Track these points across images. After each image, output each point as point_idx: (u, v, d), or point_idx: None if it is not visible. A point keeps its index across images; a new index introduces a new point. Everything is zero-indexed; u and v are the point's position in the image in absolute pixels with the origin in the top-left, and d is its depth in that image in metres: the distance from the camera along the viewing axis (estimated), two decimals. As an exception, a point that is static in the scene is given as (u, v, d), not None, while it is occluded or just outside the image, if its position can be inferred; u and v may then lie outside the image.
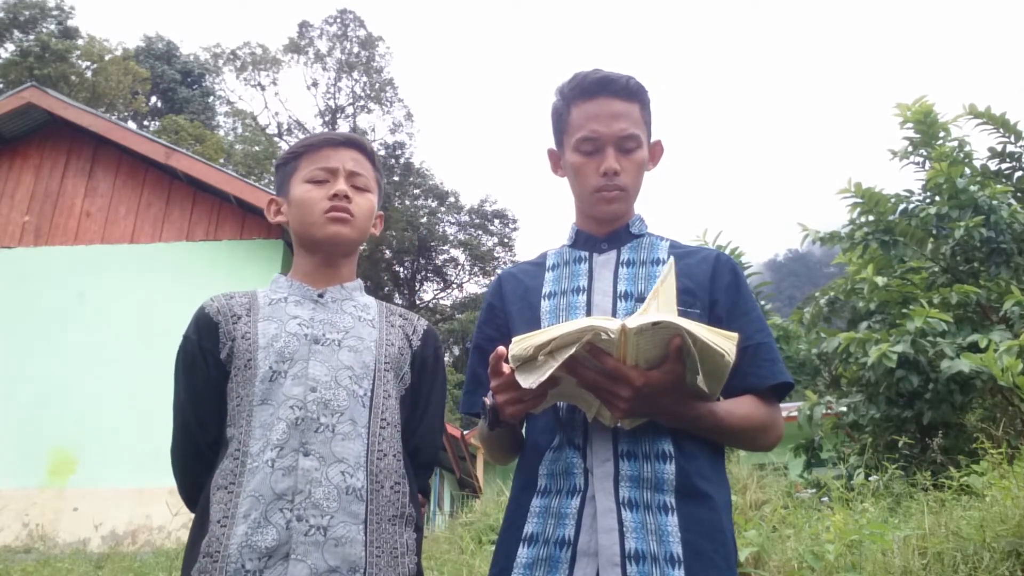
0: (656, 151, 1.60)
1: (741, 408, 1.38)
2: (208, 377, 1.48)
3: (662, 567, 1.23)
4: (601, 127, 1.48)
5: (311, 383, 1.41)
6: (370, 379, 1.47)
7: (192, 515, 1.46)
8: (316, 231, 1.54)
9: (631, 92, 1.50)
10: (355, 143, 1.63)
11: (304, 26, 34.22)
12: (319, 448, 1.37)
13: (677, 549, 1.25)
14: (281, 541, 1.31)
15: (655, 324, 1.18)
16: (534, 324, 1.45)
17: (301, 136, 34.22)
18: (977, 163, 6.43)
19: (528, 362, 1.23)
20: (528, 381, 1.21)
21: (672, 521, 1.27)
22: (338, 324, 1.51)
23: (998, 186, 5.89)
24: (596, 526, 1.28)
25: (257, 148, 30.42)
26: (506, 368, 1.25)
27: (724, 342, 1.21)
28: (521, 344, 1.24)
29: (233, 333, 1.48)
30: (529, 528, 1.35)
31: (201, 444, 1.47)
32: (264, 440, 1.38)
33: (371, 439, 1.43)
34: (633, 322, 1.19)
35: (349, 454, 1.39)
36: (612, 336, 1.18)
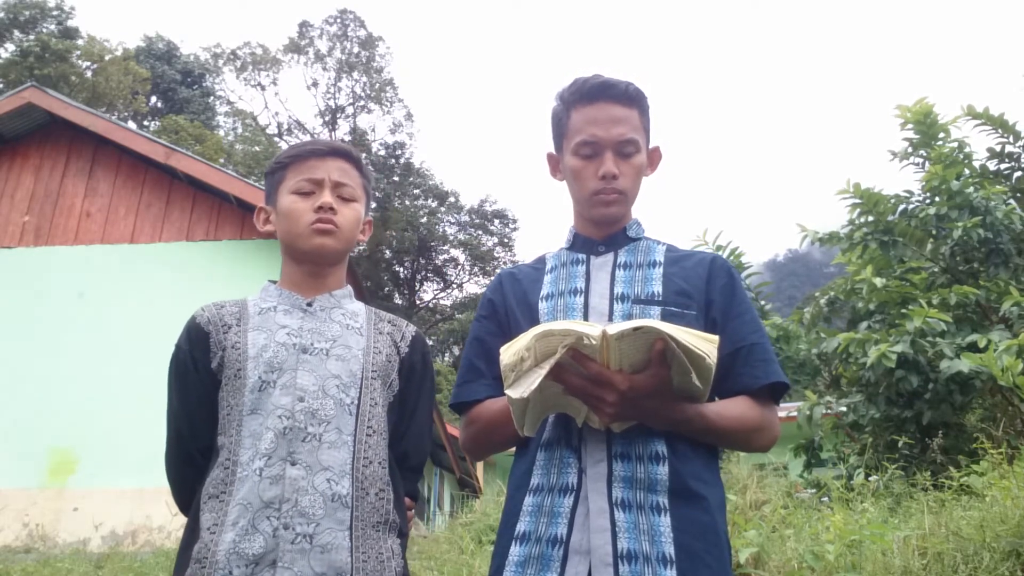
0: (655, 157, 1.61)
1: (733, 409, 1.39)
2: (199, 386, 1.50)
3: (654, 567, 1.24)
4: (600, 131, 1.49)
5: (299, 393, 1.43)
6: (357, 388, 1.49)
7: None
8: (302, 243, 1.55)
9: (630, 97, 1.51)
10: (341, 152, 1.63)
11: (304, 26, 34.23)
12: (306, 457, 1.39)
13: (669, 549, 1.26)
14: (268, 548, 1.33)
15: (636, 329, 1.20)
16: (533, 325, 1.45)
17: (301, 136, 34.25)
18: (977, 163, 6.44)
19: (517, 372, 1.24)
20: (517, 392, 1.22)
21: (665, 522, 1.28)
22: (326, 333, 1.52)
23: (996, 187, 5.90)
24: (588, 525, 1.28)
25: (257, 148, 30.41)
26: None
27: (705, 345, 1.23)
28: (509, 352, 1.25)
29: (224, 343, 1.50)
30: (522, 526, 1.36)
31: (193, 451, 1.49)
32: (253, 449, 1.40)
33: (357, 447, 1.44)
34: (614, 328, 1.20)
35: (335, 462, 1.41)
36: (594, 342, 1.20)
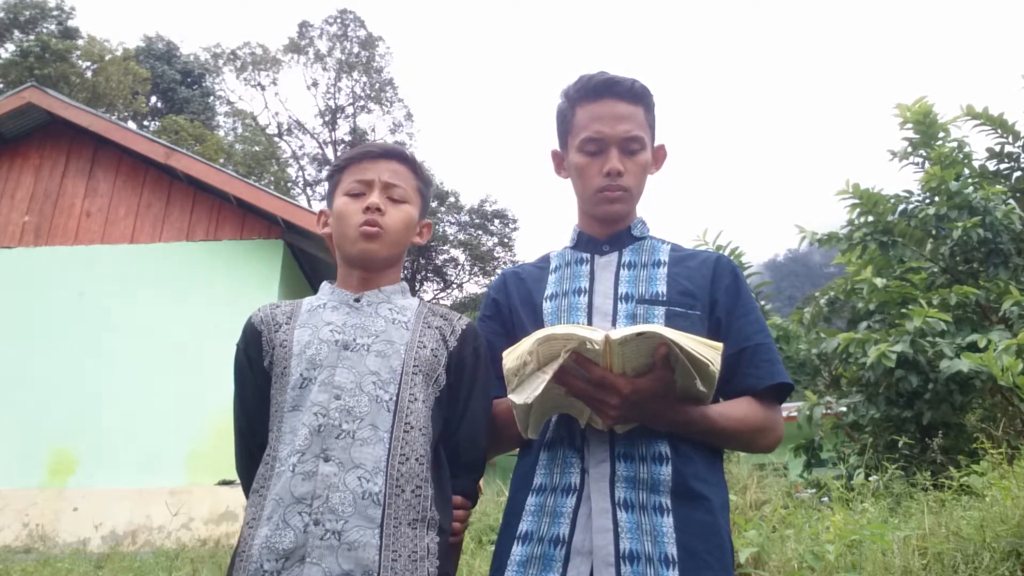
0: (659, 155, 1.61)
1: (737, 410, 1.39)
2: (255, 385, 1.53)
3: (656, 567, 1.24)
4: (605, 128, 1.49)
5: (335, 390, 1.43)
6: (396, 383, 1.47)
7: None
8: (349, 247, 1.56)
9: (636, 95, 1.51)
10: (394, 154, 1.62)
11: (304, 26, 34.18)
12: (339, 454, 1.39)
13: (672, 550, 1.26)
14: (298, 544, 1.34)
15: (639, 335, 1.20)
16: (537, 326, 1.46)
17: (301, 136, 34.23)
18: (976, 164, 6.44)
19: (520, 376, 1.24)
20: (522, 397, 1.22)
21: (667, 522, 1.28)
22: (370, 328, 1.51)
23: (996, 187, 5.90)
24: (591, 526, 1.29)
25: (257, 148, 30.35)
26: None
27: (708, 351, 1.23)
28: (511, 356, 1.25)
29: (274, 341, 1.53)
30: (524, 526, 1.36)
31: (254, 449, 1.52)
32: (291, 446, 1.41)
33: (393, 443, 1.43)
34: (617, 333, 1.20)
35: (367, 459, 1.40)
36: (597, 347, 1.20)
